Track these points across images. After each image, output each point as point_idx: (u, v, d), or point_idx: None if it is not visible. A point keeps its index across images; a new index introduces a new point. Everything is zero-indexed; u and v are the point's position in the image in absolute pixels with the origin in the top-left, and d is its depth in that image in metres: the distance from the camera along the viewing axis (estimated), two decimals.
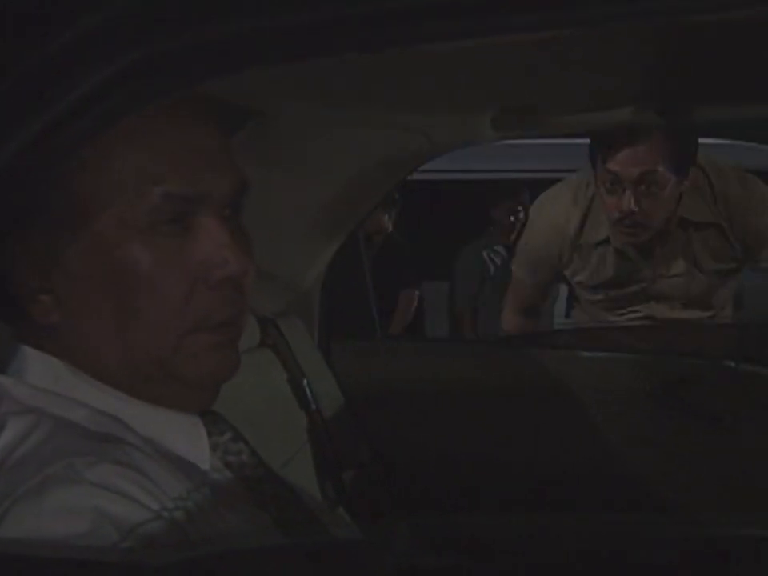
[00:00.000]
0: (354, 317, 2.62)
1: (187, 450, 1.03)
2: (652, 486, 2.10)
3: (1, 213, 0.92)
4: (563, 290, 3.04)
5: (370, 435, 2.11)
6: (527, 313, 3.00)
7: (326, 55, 0.86)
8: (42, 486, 0.88)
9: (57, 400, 0.98)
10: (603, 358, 2.37)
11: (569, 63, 1.24)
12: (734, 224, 2.70)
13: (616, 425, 2.18)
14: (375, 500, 2.01)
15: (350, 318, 2.44)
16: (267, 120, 1.47)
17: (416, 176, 2.17)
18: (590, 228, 2.78)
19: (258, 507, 1.07)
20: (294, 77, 1.12)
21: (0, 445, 0.93)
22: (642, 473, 2.13)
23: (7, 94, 0.83)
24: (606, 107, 1.65)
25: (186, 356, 1.00)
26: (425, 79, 1.30)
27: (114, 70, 0.80)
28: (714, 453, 2.10)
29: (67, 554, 0.85)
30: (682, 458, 2.12)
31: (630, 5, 0.80)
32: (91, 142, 0.88)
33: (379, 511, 2.00)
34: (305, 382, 1.94)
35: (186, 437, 1.04)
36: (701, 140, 2.68)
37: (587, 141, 2.73)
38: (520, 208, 5.20)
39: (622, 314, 2.87)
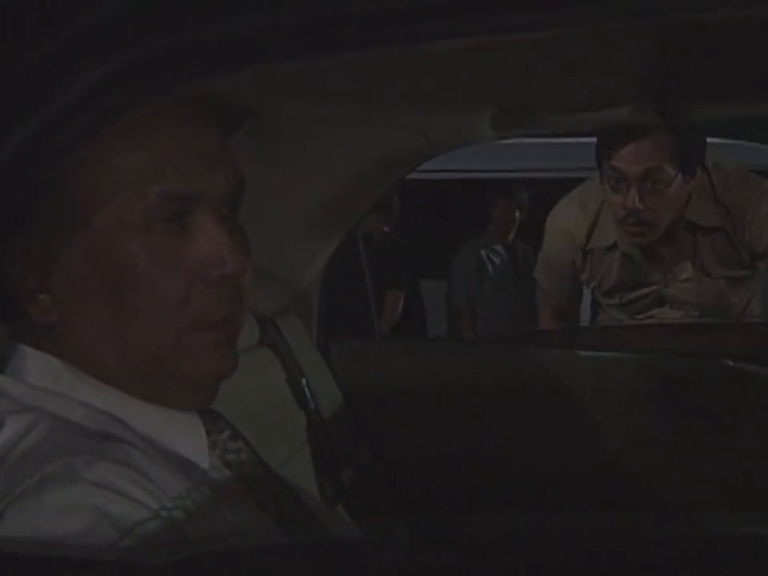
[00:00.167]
0: (353, 316, 2.62)
1: (186, 449, 1.03)
2: (652, 486, 2.10)
3: (1, 211, 0.92)
4: (587, 293, 3.03)
5: (368, 435, 2.11)
6: (558, 317, 3.00)
7: (326, 54, 0.86)
8: (41, 485, 0.88)
9: (55, 399, 0.98)
10: (603, 357, 2.37)
11: (568, 63, 1.24)
12: (737, 227, 2.68)
13: (616, 425, 2.17)
14: (374, 499, 2.01)
15: (349, 317, 2.44)
16: (267, 119, 1.46)
17: (414, 175, 2.17)
18: (600, 232, 2.78)
19: (257, 506, 1.07)
20: (293, 75, 1.12)
21: None
22: (642, 473, 2.13)
23: (7, 92, 0.83)
24: (606, 107, 1.64)
25: (185, 355, 1.00)
26: (424, 79, 1.30)
27: (114, 67, 0.80)
28: (713, 453, 2.10)
29: (66, 553, 0.85)
30: (681, 457, 2.12)
31: (630, 4, 0.80)
32: (91, 140, 0.88)
33: (378, 511, 2.00)
34: (304, 381, 1.94)
35: (184, 435, 1.04)
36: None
37: (587, 140, 2.73)
38: (518, 207, 5.20)
39: (639, 319, 2.87)
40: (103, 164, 0.96)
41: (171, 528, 0.90)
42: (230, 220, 1.03)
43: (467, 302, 5.27)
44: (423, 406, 2.17)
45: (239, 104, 1.36)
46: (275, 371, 1.91)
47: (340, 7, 0.79)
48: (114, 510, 0.88)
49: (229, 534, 0.97)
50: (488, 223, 5.32)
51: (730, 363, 2.20)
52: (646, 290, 2.81)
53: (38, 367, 1.01)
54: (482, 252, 5.28)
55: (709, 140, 2.69)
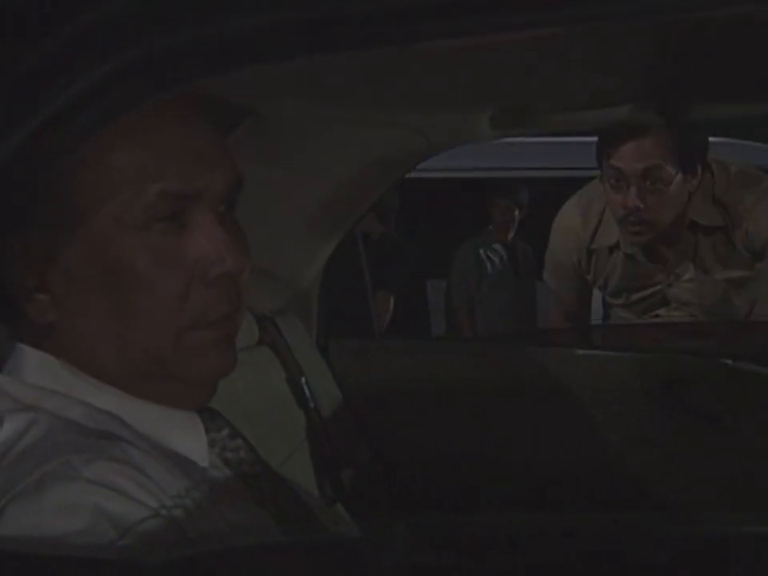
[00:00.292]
0: (353, 315, 2.62)
1: (185, 447, 1.03)
2: (652, 486, 2.10)
3: (0, 211, 0.92)
4: (597, 294, 3.03)
5: (368, 434, 2.11)
6: (568, 318, 3.01)
7: (326, 54, 0.86)
8: (40, 484, 0.88)
9: (54, 398, 0.98)
10: (603, 357, 2.37)
11: (568, 62, 1.24)
12: (735, 225, 2.67)
13: (616, 425, 2.17)
14: (374, 499, 2.01)
15: (348, 316, 2.44)
16: (266, 118, 1.46)
17: (414, 174, 2.17)
18: (603, 232, 2.78)
19: (256, 504, 1.07)
20: (293, 75, 1.12)
21: None
22: (642, 473, 2.13)
23: (7, 92, 0.83)
24: (606, 106, 1.64)
25: (184, 353, 1.00)
26: (424, 78, 1.30)
27: (114, 67, 0.80)
28: (713, 453, 2.10)
29: (65, 552, 0.85)
30: (681, 457, 2.12)
31: (630, 4, 0.80)
32: (90, 139, 0.88)
33: (378, 510, 2.00)
34: (303, 380, 1.94)
35: (183, 433, 1.04)
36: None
37: (587, 139, 2.73)
38: (517, 206, 5.20)
39: (645, 319, 2.87)
40: (102, 163, 0.96)
41: (170, 526, 0.90)
42: (228, 218, 1.04)
43: (466, 302, 5.26)
44: (423, 405, 2.17)
45: (238, 103, 1.36)
46: (275, 370, 1.91)
47: (340, 7, 0.79)
48: (113, 508, 0.88)
49: (228, 533, 0.97)
50: (487, 222, 5.32)
51: (730, 363, 2.20)
52: (650, 290, 2.80)
53: (36, 366, 1.01)
54: (481, 251, 5.27)
55: (712, 139, 2.69)
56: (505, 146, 3.60)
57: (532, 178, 4.98)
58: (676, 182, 2.58)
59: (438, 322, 5.36)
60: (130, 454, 0.94)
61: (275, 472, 1.15)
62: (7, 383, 0.99)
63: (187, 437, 1.04)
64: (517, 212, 5.21)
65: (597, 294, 3.06)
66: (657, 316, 2.83)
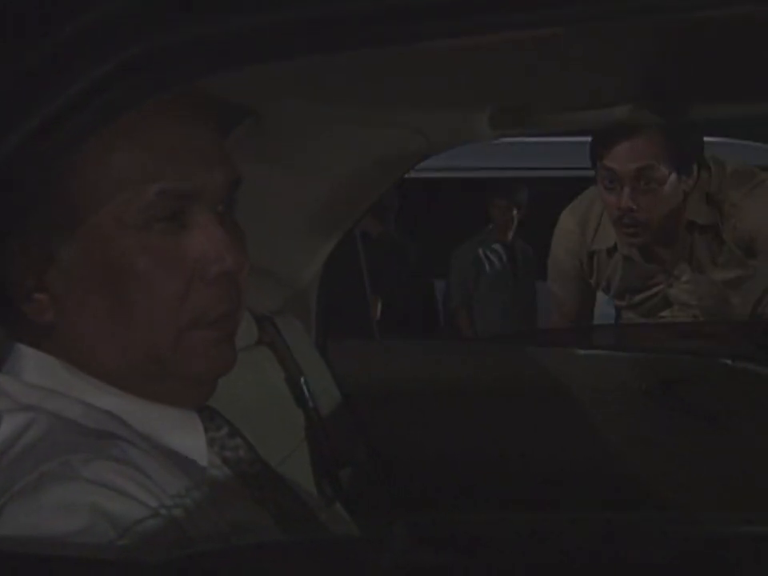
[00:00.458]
0: (352, 315, 2.62)
1: (185, 446, 1.03)
2: (651, 486, 2.10)
3: (0, 210, 0.92)
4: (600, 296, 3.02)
5: (367, 433, 2.11)
6: (570, 322, 3.00)
7: (326, 54, 0.86)
8: (39, 483, 0.88)
9: (53, 397, 0.98)
10: (602, 357, 2.37)
11: (568, 62, 1.24)
12: (725, 223, 2.66)
13: (616, 425, 2.17)
14: (373, 498, 2.01)
15: (347, 315, 2.44)
16: (266, 117, 1.46)
17: (413, 174, 2.17)
18: (601, 235, 2.78)
19: (255, 503, 1.07)
20: (293, 74, 1.12)
21: None
22: (642, 473, 2.13)
23: (7, 92, 0.83)
24: (606, 106, 1.64)
25: (184, 352, 1.01)
26: (424, 78, 1.30)
27: (114, 66, 0.80)
28: (713, 453, 2.10)
29: (64, 552, 0.85)
30: (681, 457, 2.12)
31: (629, 3, 0.80)
32: (91, 138, 0.88)
33: (377, 509, 2.00)
34: (302, 379, 1.94)
35: (183, 432, 1.04)
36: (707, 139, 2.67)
37: (586, 139, 2.73)
38: (516, 206, 5.20)
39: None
40: (102, 163, 0.96)
41: (170, 526, 0.90)
42: (227, 216, 1.04)
43: (465, 302, 5.26)
44: (422, 404, 2.17)
45: (238, 103, 1.36)
46: (274, 370, 1.91)
47: (340, 7, 0.79)
48: (112, 508, 0.87)
49: (227, 532, 0.97)
50: (487, 222, 5.32)
51: (730, 363, 2.20)
52: (652, 291, 2.80)
53: (35, 366, 1.01)
54: (480, 251, 5.27)
55: (712, 139, 2.69)
56: (505, 146, 3.60)
57: (532, 178, 4.99)
58: (670, 181, 2.58)
59: (437, 323, 5.37)
60: (129, 453, 0.94)
61: (274, 471, 1.15)
62: (6, 383, 0.99)
63: (186, 436, 1.04)
64: (515, 212, 5.21)
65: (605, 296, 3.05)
66: (662, 318, 2.83)
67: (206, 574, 0.88)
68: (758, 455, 2.05)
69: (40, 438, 0.93)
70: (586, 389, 2.19)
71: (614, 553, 1.99)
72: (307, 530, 1.12)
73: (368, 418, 2.12)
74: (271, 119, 1.49)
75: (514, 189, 5.15)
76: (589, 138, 2.72)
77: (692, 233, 2.68)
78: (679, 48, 1.19)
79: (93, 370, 1.00)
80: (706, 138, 2.75)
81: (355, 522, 1.38)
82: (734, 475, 2.07)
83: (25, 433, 0.93)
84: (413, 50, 0.91)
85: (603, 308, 3.09)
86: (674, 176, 2.58)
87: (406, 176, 2.13)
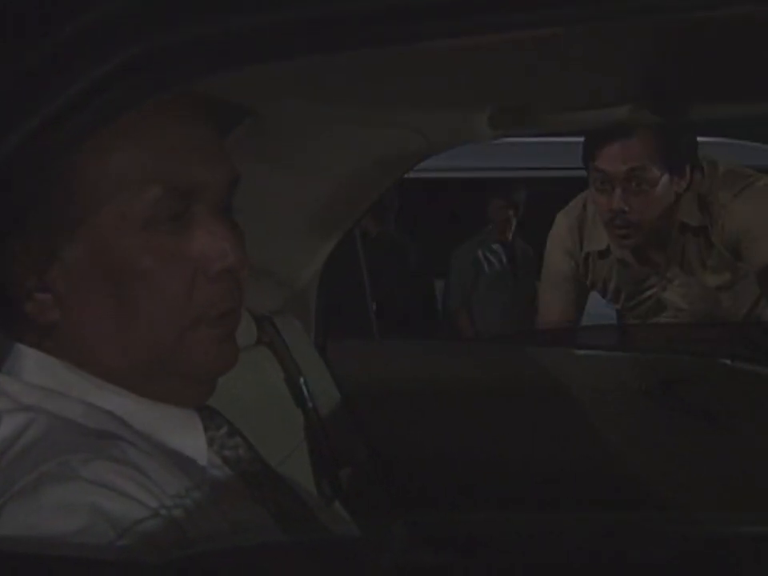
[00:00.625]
0: (351, 315, 2.63)
1: (184, 445, 1.04)
2: (651, 486, 2.10)
3: (0, 210, 0.92)
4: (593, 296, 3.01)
5: (366, 433, 2.11)
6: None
7: (326, 54, 0.86)
8: (38, 483, 0.88)
9: (53, 397, 0.98)
10: (602, 357, 2.37)
11: (568, 62, 1.24)
12: (714, 225, 2.64)
13: (616, 425, 2.17)
14: (372, 498, 2.01)
15: (346, 315, 2.44)
16: (266, 117, 1.46)
17: (413, 174, 2.17)
18: (594, 237, 2.77)
19: (255, 502, 1.07)
20: (293, 75, 1.12)
21: None
22: (642, 472, 2.13)
23: (7, 92, 0.83)
24: (606, 105, 1.64)
25: (187, 350, 1.01)
26: (424, 78, 1.30)
27: (114, 66, 0.80)
28: (713, 453, 2.10)
29: (63, 552, 0.85)
30: (680, 457, 2.12)
31: (629, 3, 0.80)
32: (91, 138, 0.88)
33: (376, 509, 2.00)
34: (301, 380, 1.94)
35: (183, 431, 1.04)
36: (704, 139, 2.66)
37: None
38: (512, 207, 5.20)
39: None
40: (104, 162, 0.96)
41: (170, 526, 0.90)
42: (227, 214, 1.04)
43: (464, 302, 5.26)
44: (421, 404, 2.17)
45: (238, 103, 1.36)
46: (273, 370, 1.91)
47: (340, 7, 0.79)
48: (111, 508, 0.87)
49: (227, 532, 0.97)
50: (487, 222, 5.32)
51: (730, 363, 2.20)
52: (646, 294, 2.79)
53: (35, 366, 1.01)
54: (479, 251, 5.27)
55: (712, 139, 2.68)
56: (505, 146, 3.60)
57: (532, 178, 4.98)
58: (662, 183, 2.57)
59: (437, 323, 5.37)
60: (129, 453, 0.94)
61: (274, 470, 1.15)
62: (6, 383, 0.99)
63: (187, 435, 1.05)
64: (511, 212, 5.20)
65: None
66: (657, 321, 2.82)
67: (205, 574, 0.88)
68: (758, 455, 2.05)
69: (39, 437, 0.93)
70: (586, 389, 2.19)
71: (613, 553, 2.00)
72: (307, 529, 1.12)
73: (368, 418, 2.12)
74: (271, 119, 1.49)
75: (509, 189, 5.15)
76: None
77: (684, 234, 2.67)
78: (679, 48, 1.19)
79: (95, 369, 1.00)
80: (705, 139, 2.74)
81: (355, 521, 1.38)
82: (733, 475, 2.07)
83: (24, 433, 0.94)
84: (413, 49, 0.91)
85: (603, 308, 3.08)
86: (666, 177, 2.57)
87: (406, 176, 2.13)
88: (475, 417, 2.17)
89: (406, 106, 1.57)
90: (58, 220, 0.97)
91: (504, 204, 5.18)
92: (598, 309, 3.08)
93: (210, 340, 1.02)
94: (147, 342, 1.00)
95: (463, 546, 2.02)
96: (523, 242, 5.27)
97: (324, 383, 2.04)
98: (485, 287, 5.24)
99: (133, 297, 0.98)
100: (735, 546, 1.99)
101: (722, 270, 2.69)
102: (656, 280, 2.75)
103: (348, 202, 2.02)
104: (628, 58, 1.27)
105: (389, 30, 0.81)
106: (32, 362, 1.01)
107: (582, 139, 2.76)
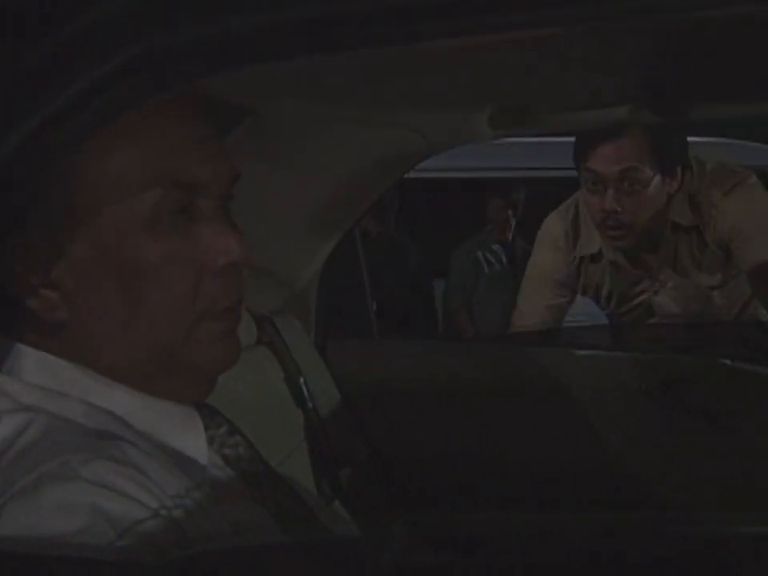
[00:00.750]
0: (351, 315, 2.62)
1: (185, 444, 1.04)
2: (651, 486, 2.10)
3: (0, 210, 0.92)
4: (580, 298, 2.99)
5: (366, 433, 2.11)
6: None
7: (326, 54, 0.86)
8: (38, 484, 0.88)
9: (53, 397, 0.98)
10: (602, 357, 2.37)
11: (568, 62, 1.24)
12: (705, 224, 2.63)
13: (616, 425, 2.17)
14: (372, 498, 2.01)
15: (346, 315, 2.44)
16: (266, 117, 1.47)
17: (413, 174, 2.17)
18: (585, 241, 2.76)
19: (255, 501, 1.07)
20: (293, 75, 1.12)
21: None
22: (642, 472, 2.13)
23: (7, 92, 0.83)
24: (606, 105, 1.64)
25: (194, 346, 1.02)
26: (424, 78, 1.30)
27: (114, 66, 0.80)
28: (713, 453, 2.10)
29: (63, 552, 0.85)
30: (681, 457, 2.12)
31: (629, 3, 0.80)
32: (91, 138, 0.88)
33: (376, 509, 2.00)
34: (301, 380, 1.94)
35: (183, 430, 1.04)
36: (704, 139, 2.66)
37: None
38: (510, 207, 5.20)
39: None
40: (104, 162, 0.97)
41: (170, 526, 0.90)
42: (228, 211, 1.05)
43: (464, 302, 5.26)
44: (421, 404, 2.17)
45: (238, 103, 1.36)
46: (273, 370, 1.91)
47: (340, 7, 0.79)
48: (111, 508, 0.87)
49: (228, 532, 0.97)
50: (487, 222, 5.33)
51: (730, 363, 2.20)
52: (637, 301, 2.78)
53: (35, 365, 1.00)
54: (479, 252, 5.27)
55: (712, 139, 2.67)
56: (505, 146, 3.60)
57: (531, 178, 4.98)
58: (654, 183, 2.56)
59: (437, 323, 5.37)
60: (129, 453, 0.94)
61: (274, 470, 1.15)
62: (6, 383, 0.99)
63: (187, 434, 1.05)
64: (511, 212, 5.20)
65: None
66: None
67: (205, 574, 0.88)
68: (758, 455, 2.05)
69: (39, 437, 0.93)
70: (586, 389, 2.19)
71: (613, 553, 2.00)
72: (307, 529, 1.12)
73: (368, 418, 2.12)
74: (271, 119, 1.49)
75: (508, 189, 5.15)
76: None
77: (676, 234, 2.66)
78: (679, 48, 1.19)
79: (99, 366, 1.00)
80: (705, 139, 2.74)
81: (355, 521, 1.38)
82: (733, 475, 2.07)
83: (24, 433, 0.93)
84: (413, 49, 0.91)
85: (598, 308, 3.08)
86: (657, 178, 2.56)
87: (406, 176, 2.13)
88: (475, 417, 2.17)
89: (406, 105, 1.57)
90: (58, 220, 0.97)
91: (504, 204, 5.18)
92: (596, 309, 3.08)
93: (215, 335, 1.03)
94: (154, 338, 1.00)
95: (463, 546, 2.02)
96: (523, 242, 5.26)
97: (324, 383, 2.04)
98: (485, 287, 5.24)
99: (139, 295, 0.98)
100: (735, 546, 1.99)
101: (714, 269, 2.69)
102: (648, 284, 2.74)
103: (348, 201, 2.02)
104: (628, 57, 1.27)
105: (389, 30, 0.81)
106: (32, 362, 1.01)
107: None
